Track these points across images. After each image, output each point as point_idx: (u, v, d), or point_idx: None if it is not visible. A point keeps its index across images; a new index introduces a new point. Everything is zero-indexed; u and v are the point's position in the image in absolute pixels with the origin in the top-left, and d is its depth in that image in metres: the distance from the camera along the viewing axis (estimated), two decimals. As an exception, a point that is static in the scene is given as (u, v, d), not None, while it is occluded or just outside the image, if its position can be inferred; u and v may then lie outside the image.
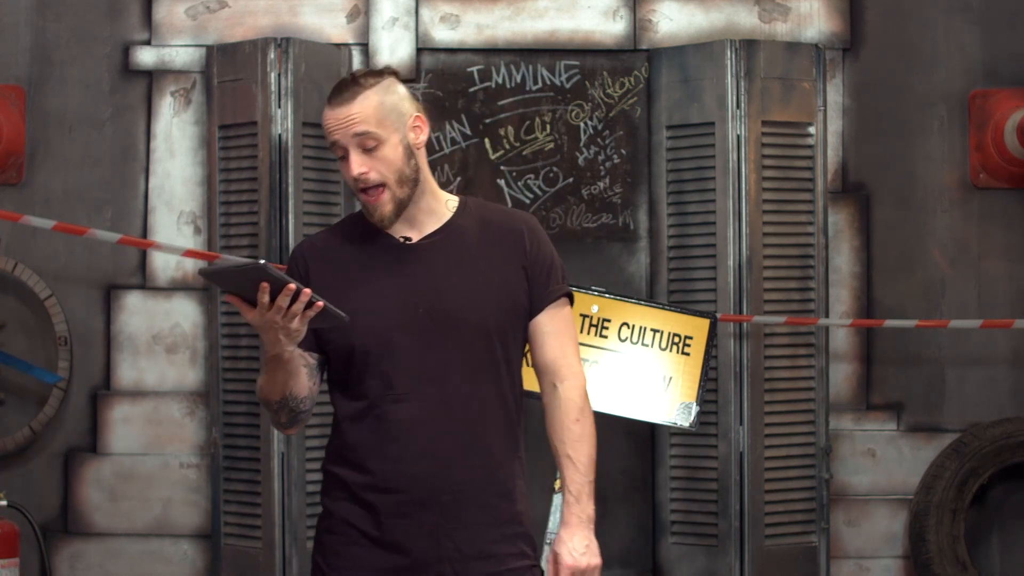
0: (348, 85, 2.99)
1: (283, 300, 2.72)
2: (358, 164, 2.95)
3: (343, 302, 2.88)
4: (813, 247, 5.57)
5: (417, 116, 3.02)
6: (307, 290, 2.73)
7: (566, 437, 3.02)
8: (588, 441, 3.03)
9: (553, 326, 3.05)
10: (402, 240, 3.02)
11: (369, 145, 2.95)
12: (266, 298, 2.71)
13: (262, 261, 2.68)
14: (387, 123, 2.97)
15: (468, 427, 2.95)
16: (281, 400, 2.96)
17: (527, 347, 3.09)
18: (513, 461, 3.02)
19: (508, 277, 3.01)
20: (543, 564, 3.11)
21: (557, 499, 4.71)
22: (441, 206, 3.06)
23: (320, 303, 2.74)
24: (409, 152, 2.99)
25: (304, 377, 2.96)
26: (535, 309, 3.04)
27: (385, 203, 2.97)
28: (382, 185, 2.96)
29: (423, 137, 3.03)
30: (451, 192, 3.15)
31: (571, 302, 3.11)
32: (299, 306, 2.73)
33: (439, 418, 2.94)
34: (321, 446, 5.41)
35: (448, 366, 2.95)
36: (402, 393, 2.94)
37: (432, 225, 3.04)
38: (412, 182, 3.00)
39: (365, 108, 2.96)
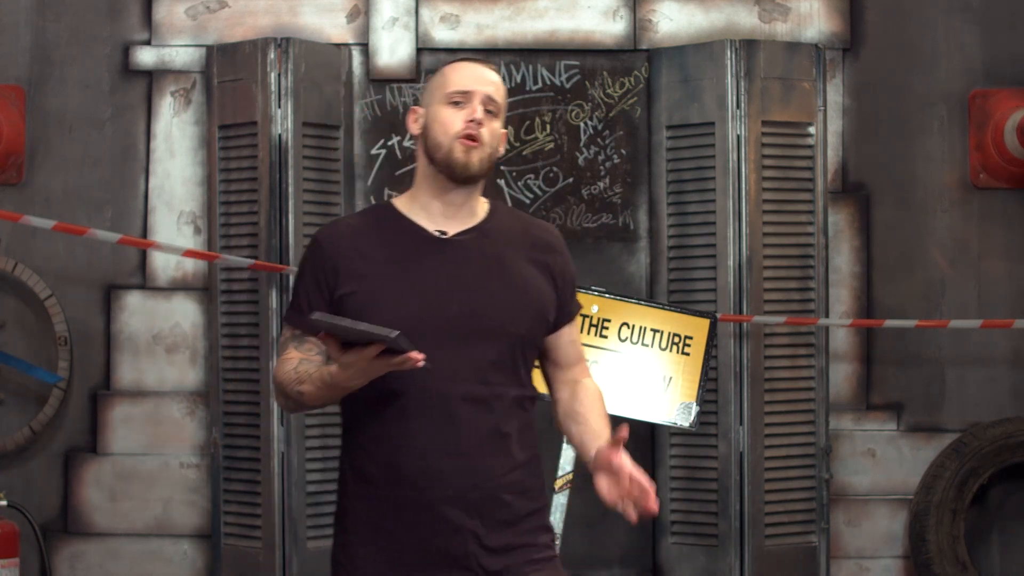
0: (485, 62, 3.12)
1: (399, 361, 2.74)
2: (481, 113, 3.02)
3: (377, 294, 2.94)
4: (813, 247, 5.57)
5: (505, 132, 3.14)
6: (419, 356, 2.74)
7: (600, 411, 3.11)
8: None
9: (571, 336, 3.16)
10: (437, 234, 3.05)
11: (491, 109, 3.04)
12: (372, 352, 2.72)
13: (395, 333, 2.67)
14: (503, 110, 3.09)
15: (491, 427, 2.99)
16: (321, 406, 2.99)
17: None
18: (531, 460, 3.07)
19: (540, 287, 3.05)
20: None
21: (557, 499, 4.71)
22: (478, 206, 3.12)
23: (420, 364, 2.75)
24: (498, 145, 3.09)
25: None
26: (560, 322, 3.11)
27: (476, 153, 3.02)
28: (484, 144, 3.03)
29: (502, 148, 3.13)
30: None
31: None
32: (409, 366, 2.75)
33: (464, 417, 2.96)
34: (321, 446, 5.41)
35: (476, 366, 2.97)
36: (430, 390, 2.94)
37: (467, 223, 3.08)
38: (488, 169, 3.08)
39: (500, 85, 3.08)
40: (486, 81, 3.04)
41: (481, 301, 2.98)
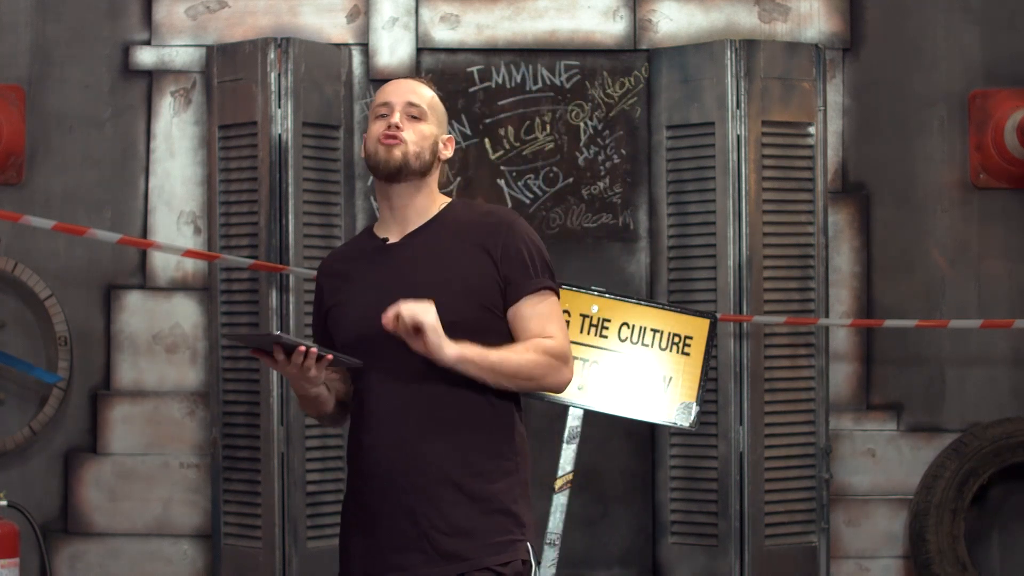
0: (414, 76, 3.39)
1: (296, 359, 3.04)
2: (399, 118, 3.21)
3: (340, 306, 3.23)
4: (813, 247, 5.57)
5: (451, 137, 3.32)
6: (313, 348, 3.02)
7: (518, 348, 3.13)
8: (521, 363, 3.11)
9: (534, 311, 3.18)
10: (383, 241, 3.24)
11: (414, 113, 3.23)
12: (281, 357, 3.04)
13: (276, 332, 3.04)
14: (433, 114, 3.27)
15: (438, 414, 3.12)
16: (319, 416, 3.32)
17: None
18: (492, 444, 3.15)
19: (479, 272, 3.15)
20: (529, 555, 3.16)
21: (557, 499, 4.71)
22: (432, 208, 3.26)
23: (329, 356, 3.04)
24: (434, 148, 3.25)
25: (329, 395, 3.25)
26: (510, 301, 3.17)
27: (397, 148, 3.19)
28: (404, 142, 3.19)
29: (447, 153, 3.30)
30: (450, 193, 3.25)
31: (556, 297, 3.22)
32: (310, 362, 3.04)
33: (409, 407, 3.13)
34: (321, 446, 5.44)
35: (418, 359, 3.07)
36: (376, 385, 3.15)
37: (417, 224, 3.24)
38: (422, 167, 3.23)
39: (423, 91, 3.28)
40: (404, 89, 3.26)
41: (416, 296, 3.07)
